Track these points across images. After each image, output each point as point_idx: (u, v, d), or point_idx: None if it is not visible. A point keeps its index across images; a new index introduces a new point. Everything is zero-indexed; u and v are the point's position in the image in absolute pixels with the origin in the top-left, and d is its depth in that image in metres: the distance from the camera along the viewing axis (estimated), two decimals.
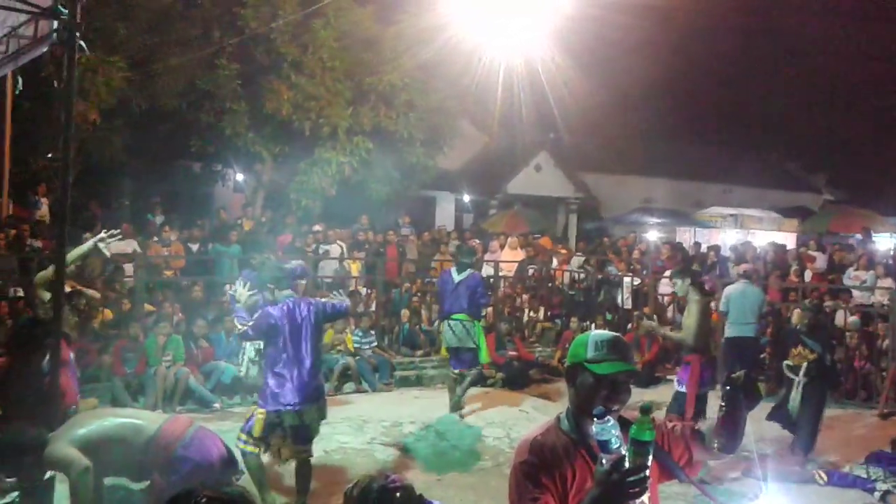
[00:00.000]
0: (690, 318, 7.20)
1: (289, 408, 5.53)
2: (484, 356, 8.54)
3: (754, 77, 30.41)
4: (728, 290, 10.12)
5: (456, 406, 8.47)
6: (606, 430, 2.05)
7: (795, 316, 7.25)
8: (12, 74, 6.88)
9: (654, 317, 10.67)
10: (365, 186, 15.07)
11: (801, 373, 7.33)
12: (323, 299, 6.19)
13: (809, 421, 7.34)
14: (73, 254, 5.86)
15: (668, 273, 12.15)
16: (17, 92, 7.62)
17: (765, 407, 8.94)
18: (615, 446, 2.05)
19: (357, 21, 14.24)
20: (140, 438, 4.17)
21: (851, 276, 11.89)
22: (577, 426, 2.39)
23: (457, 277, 8.42)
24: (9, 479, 3.78)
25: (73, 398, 5.29)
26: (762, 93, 30.28)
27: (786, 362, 7.58)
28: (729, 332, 9.92)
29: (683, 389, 6.91)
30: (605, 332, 2.48)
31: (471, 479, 6.66)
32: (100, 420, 4.27)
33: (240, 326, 5.63)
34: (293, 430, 5.57)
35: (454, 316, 8.35)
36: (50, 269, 6.94)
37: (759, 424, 8.14)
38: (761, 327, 11.25)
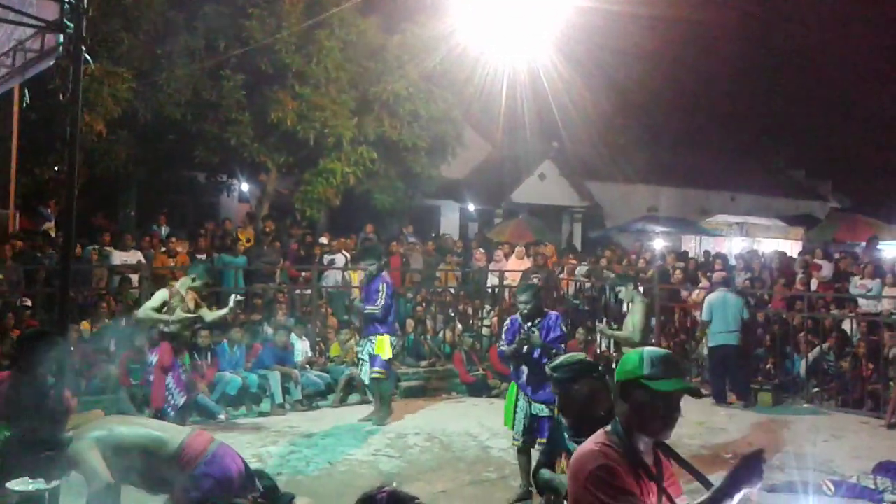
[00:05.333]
0: (636, 317, 7.97)
1: None
2: None
3: (759, 84, 30.33)
4: (708, 298, 10.12)
5: None
6: None
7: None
8: (20, 87, 6.92)
9: (604, 320, 11.21)
10: (369, 196, 15.09)
11: None
12: None
13: None
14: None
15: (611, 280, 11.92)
16: (24, 105, 7.65)
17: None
18: None
19: (361, 31, 14.28)
20: (164, 452, 4.22)
21: (858, 285, 11.83)
22: (630, 443, 2.40)
23: None
24: (31, 481, 3.76)
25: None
26: (767, 100, 30.21)
27: None
28: (713, 341, 9.94)
29: None
30: (659, 350, 2.53)
31: (475, 491, 6.62)
32: (128, 427, 4.37)
33: None
34: None
35: None
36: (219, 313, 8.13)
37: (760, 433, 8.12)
38: (759, 337, 11.24)
